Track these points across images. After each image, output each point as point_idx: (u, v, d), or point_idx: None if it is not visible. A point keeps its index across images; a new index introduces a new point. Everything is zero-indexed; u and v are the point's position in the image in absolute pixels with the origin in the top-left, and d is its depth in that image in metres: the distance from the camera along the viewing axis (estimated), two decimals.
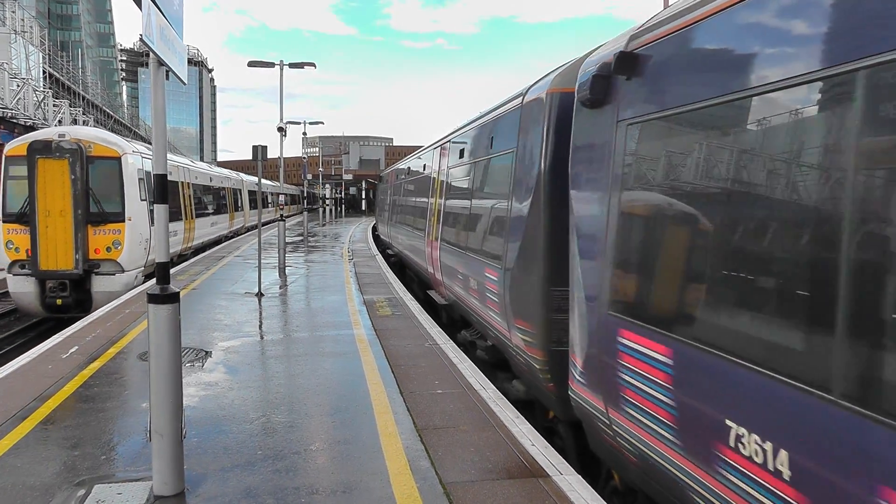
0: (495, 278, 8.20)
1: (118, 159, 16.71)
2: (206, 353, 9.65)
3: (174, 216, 22.00)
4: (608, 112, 5.06)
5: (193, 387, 7.87)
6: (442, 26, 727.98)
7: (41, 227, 15.60)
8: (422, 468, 5.55)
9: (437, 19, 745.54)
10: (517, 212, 7.63)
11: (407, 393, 7.66)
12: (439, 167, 14.01)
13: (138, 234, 16.88)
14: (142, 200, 17.29)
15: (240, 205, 39.32)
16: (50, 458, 5.71)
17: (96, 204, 16.34)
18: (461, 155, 11.69)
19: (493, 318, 8.53)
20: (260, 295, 14.88)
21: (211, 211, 29.38)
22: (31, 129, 40.29)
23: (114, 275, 16.38)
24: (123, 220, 16.51)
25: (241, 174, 43.52)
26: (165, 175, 5.00)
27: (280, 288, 16.41)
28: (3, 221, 16.14)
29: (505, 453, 5.89)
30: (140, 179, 17.27)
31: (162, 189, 4.99)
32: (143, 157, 17.94)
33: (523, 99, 7.96)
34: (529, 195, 7.22)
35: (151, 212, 17.80)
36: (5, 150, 16.73)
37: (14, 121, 38.34)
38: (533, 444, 6.10)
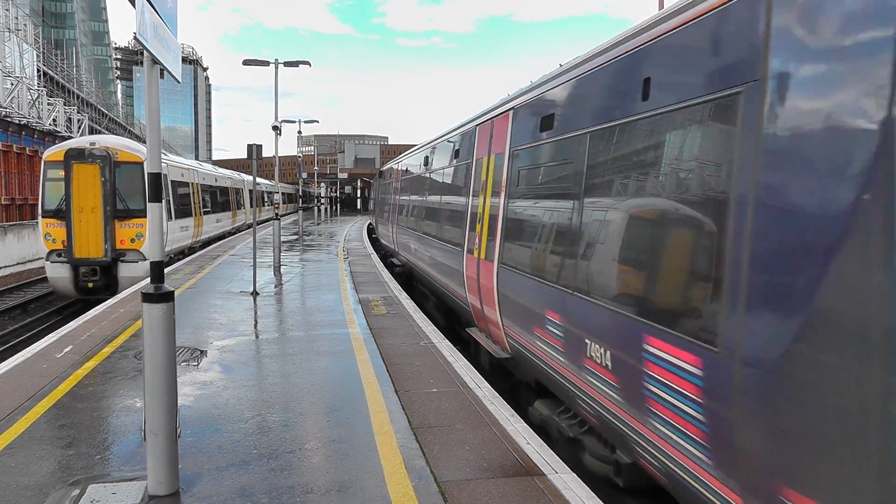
0: (695, 370, 3.97)
1: (140, 164, 19.06)
2: (202, 352, 9.63)
3: (186, 213, 25.18)
4: None
5: (188, 386, 7.85)
6: (437, 25, 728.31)
7: (76, 222, 18.40)
8: (417, 467, 5.55)
9: (432, 17, 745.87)
10: (784, 220, 3.37)
11: (402, 392, 7.66)
12: (493, 150, 9.41)
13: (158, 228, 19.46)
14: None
15: (241, 203, 41.46)
16: (44, 458, 5.69)
17: (122, 202, 18.95)
18: (548, 125, 7.20)
19: (671, 439, 4.32)
20: (255, 294, 14.86)
21: (217, 209, 32.12)
22: (26, 127, 40.19)
23: (137, 262, 19.04)
24: (145, 216, 18.43)
25: (243, 175, 44.24)
26: (160, 174, 4.99)
27: (275, 287, 16.38)
28: (43, 217, 18.96)
29: (500, 452, 5.90)
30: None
31: (156, 188, 4.97)
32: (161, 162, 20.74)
33: None
34: (852, 179, 2.98)
35: (169, 207, 22.26)
36: (44, 157, 19.58)
37: (8, 119, 38.21)
38: (528, 443, 6.10)
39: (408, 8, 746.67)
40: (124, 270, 18.86)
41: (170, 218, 22.23)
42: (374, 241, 31.67)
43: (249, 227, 42.06)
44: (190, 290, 15.56)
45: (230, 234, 35.99)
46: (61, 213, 18.50)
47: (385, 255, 25.10)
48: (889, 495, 2.65)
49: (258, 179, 17.51)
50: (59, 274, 18.68)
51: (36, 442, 6.07)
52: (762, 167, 3.54)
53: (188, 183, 25.90)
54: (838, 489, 2.90)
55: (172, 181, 23.61)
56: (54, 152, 19.22)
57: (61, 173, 18.39)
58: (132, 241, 18.89)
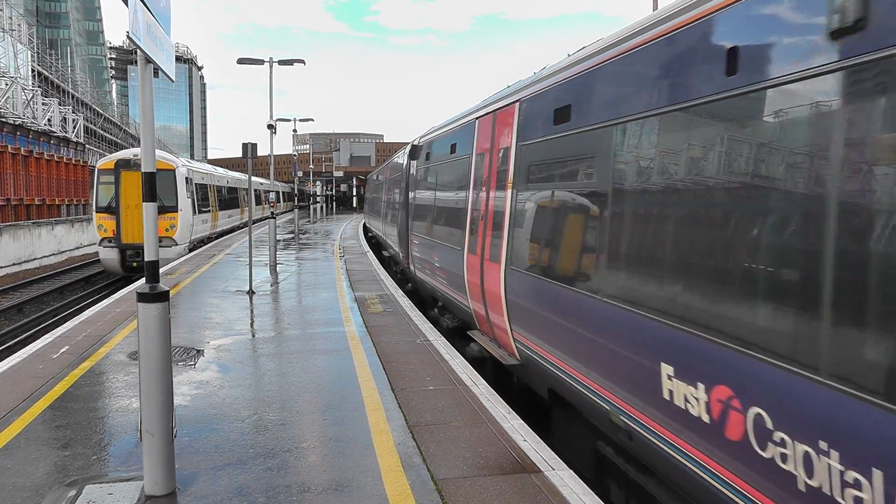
0: None
1: (173, 171, 24.64)
2: (198, 351, 9.62)
3: (206, 209, 30.43)
4: None
5: (185, 385, 7.84)
6: (431, 23, 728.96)
7: (123, 216, 23.38)
8: (413, 464, 5.55)
9: (425, 16, 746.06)
10: None
11: (398, 389, 7.66)
12: None
13: (186, 220, 25.35)
14: (187, 198, 25.58)
15: (247, 201, 44.55)
16: (40, 459, 5.68)
17: (159, 199, 22.54)
18: None
19: None
20: (251, 293, 14.84)
21: (228, 206, 37.69)
22: (21, 127, 40.05)
23: (171, 247, 24.22)
24: (177, 211, 24.66)
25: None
26: (154, 172, 5.00)
27: (271, 285, 16.37)
28: (97, 212, 24.31)
29: (497, 449, 5.90)
30: (187, 183, 25.80)
31: (150, 187, 4.97)
32: (188, 169, 26.92)
33: None
34: None
35: (193, 204, 26.75)
36: (97, 165, 25.16)
37: (3, 119, 38.09)
38: (525, 440, 6.11)
39: (401, 6, 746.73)
40: (161, 253, 22.97)
41: (195, 213, 27.05)
42: (384, 262, 23.62)
43: (255, 222, 45.84)
44: (186, 290, 15.53)
45: (238, 227, 40.34)
46: (111, 209, 23.61)
47: (423, 300, 15.10)
48: None
49: (255, 178, 18.04)
50: (109, 256, 23.91)
51: (32, 443, 6.05)
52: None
53: (207, 185, 31.18)
54: None
55: (196, 184, 28.10)
56: (105, 162, 24.55)
57: (111, 178, 23.50)
58: (167, 230, 24.20)
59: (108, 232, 23.80)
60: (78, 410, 6.97)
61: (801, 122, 3.52)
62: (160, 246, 24.90)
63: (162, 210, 23.01)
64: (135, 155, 23.34)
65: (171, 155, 26.75)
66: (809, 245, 3.37)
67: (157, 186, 19.96)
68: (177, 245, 24.69)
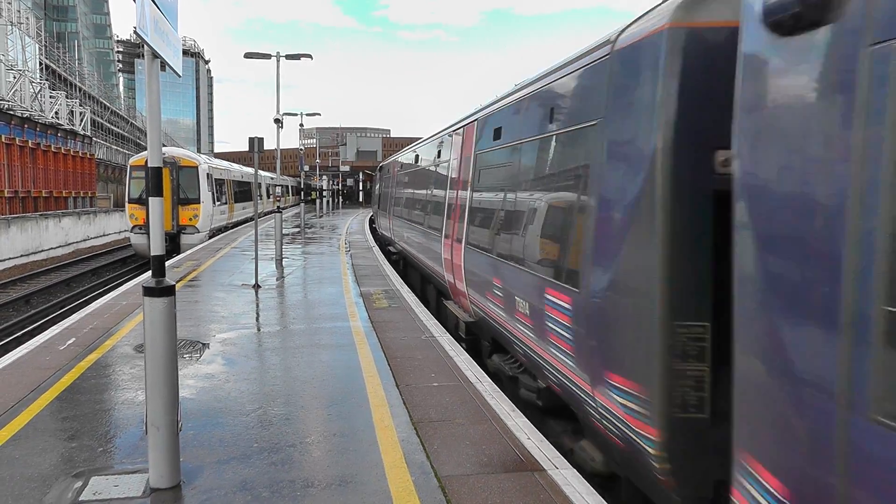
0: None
1: (196, 168, 28.28)
2: (203, 345, 9.65)
3: (224, 201, 34.22)
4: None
5: (190, 379, 7.87)
6: (440, 18, 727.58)
7: None
8: (417, 461, 5.56)
9: (435, 10, 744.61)
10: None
11: (403, 386, 7.67)
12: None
13: (207, 211, 28.70)
14: (208, 191, 28.95)
15: (260, 195, 48.92)
16: (47, 450, 5.72)
17: (184, 193, 27.73)
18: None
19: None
20: (257, 287, 14.88)
21: (243, 199, 40.84)
22: (28, 120, 40.15)
23: (193, 234, 27.62)
24: (199, 202, 27.98)
25: (261, 172, 47.29)
26: (160, 168, 5.01)
27: (277, 280, 16.40)
28: (129, 202, 27.95)
29: (500, 447, 5.91)
30: (208, 178, 29.19)
31: (157, 182, 4.98)
32: (209, 166, 30.67)
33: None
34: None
35: (213, 197, 30.11)
36: (129, 162, 29.28)
37: (11, 112, 38.20)
38: (529, 438, 6.11)
39: (411, 0, 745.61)
40: (185, 239, 27.36)
41: (214, 204, 30.39)
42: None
43: (266, 214, 47.95)
44: (192, 283, 15.58)
45: (251, 219, 42.68)
46: (141, 201, 26.06)
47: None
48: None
49: (262, 173, 18.33)
50: (140, 241, 26.48)
51: (39, 434, 6.10)
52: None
53: (224, 180, 34.72)
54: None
55: (215, 179, 31.41)
56: (137, 159, 28.63)
57: (142, 173, 26.51)
58: (190, 219, 27.71)
59: (139, 220, 26.87)
60: (84, 402, 7.01)
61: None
62: (184, 233, 25.06)
63: (186, 202, 27.64)
64: (163, 154, 27.35)
65: (195, 154, 31.15)
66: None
67: (182, 181, 24.09)
68: (199, 232, 27.82)
